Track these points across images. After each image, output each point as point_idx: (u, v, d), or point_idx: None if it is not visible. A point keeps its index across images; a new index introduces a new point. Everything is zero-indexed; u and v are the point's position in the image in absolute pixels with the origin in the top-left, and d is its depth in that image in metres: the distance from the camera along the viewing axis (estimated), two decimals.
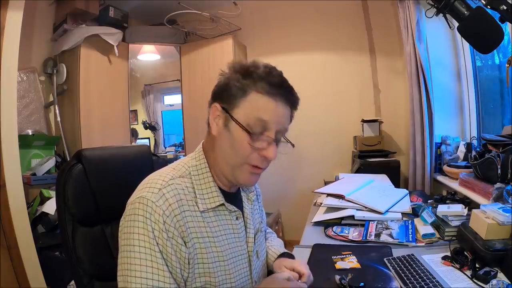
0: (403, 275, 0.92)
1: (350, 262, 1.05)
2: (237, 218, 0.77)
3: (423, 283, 0.86)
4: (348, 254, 1.11)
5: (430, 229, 1.23)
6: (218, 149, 0.73)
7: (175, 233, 0.64)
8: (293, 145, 0.76)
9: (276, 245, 0.96)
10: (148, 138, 3.71)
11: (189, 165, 0.75)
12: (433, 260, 1.03)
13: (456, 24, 1.05)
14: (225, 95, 0.71)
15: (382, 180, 1.95)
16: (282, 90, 0.70)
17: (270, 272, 0.89)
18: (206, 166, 0.75)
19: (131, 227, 0.63)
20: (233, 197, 0.79)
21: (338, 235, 1.30)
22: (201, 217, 0.70)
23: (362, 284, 0.91)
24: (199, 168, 0.74)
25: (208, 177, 0.74)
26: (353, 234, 1.29)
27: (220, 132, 0.71)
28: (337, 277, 0.92)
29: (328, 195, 1.59)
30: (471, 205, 1.38)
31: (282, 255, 0.90)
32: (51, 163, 2.12)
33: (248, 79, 0.69)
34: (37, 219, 1.83)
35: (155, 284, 0.60)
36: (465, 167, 1.78)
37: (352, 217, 1.39)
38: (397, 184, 2.06)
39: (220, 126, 0.71)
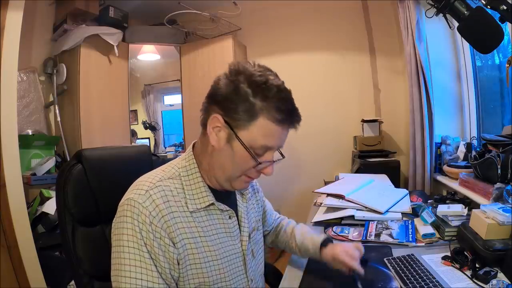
0: (403, 275, 0.92)
1: None
2: (230, 217, 0.77)
3: (423, 283, 0.86)
4: None
5: (430, 229, 1.23)
6: (215, 160, 0.71)
7: (163, 233, 0.65)
8: (283, 157, 0.76)
9: (309, 232, 0.99)
10: (148, 138, 3.71)
11: (179, 167, 0.75)
12: (433, 260, 1.02)
13: (456, 24, 1.05)
14: (230, 107, 0.66)
15: (382, 180, 1.95)
16: (290, 117, 0.68)
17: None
18: (196, 166, 0.75)
19: (120, 228, 0.64)
20: (225, 196, 0.78)
21: (338, 235, 1.30)
22: (191, 217, 0.70)
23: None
24: (188, 169, 0.74)
25: (197, 177, 0.74)
26: (353, 234, 1.29)
27: (221, 146, 0.69)
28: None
29: (328, 195, 1.59)
30: (471, 205, 1.38)
31: (324, 242, 0.92)
32: (51, 163, 2.12)
33: (259, 99, 0.64)
34: (37, 219, 1.83)
35: (144, 284, 0.62)
36: (465, 167, 1.78)
37: (352, 217, 1.39)
38: (397, 184, 2.06)
39: (222, 140, 0.69)
